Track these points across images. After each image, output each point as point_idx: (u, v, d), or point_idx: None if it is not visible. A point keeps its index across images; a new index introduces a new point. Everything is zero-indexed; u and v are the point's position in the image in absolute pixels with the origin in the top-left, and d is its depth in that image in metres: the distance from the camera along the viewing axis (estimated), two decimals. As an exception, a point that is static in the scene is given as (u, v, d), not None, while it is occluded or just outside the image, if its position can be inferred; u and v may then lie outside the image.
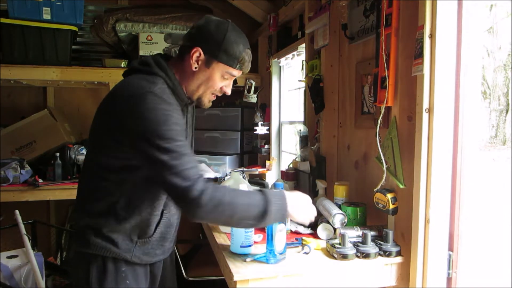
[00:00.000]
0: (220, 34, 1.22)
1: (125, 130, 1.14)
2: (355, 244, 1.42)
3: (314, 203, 1.80)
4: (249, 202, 1.17)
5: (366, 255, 1.38)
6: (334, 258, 1.38)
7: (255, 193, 1.21)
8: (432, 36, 1.32)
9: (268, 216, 1.17)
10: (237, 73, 1.29)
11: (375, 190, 1.52)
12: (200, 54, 1.23)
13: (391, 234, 1.43)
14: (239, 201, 1.16)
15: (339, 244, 1.40)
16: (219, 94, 1.33)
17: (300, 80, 2.54)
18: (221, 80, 1.28)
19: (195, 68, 1.25)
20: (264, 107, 3.34)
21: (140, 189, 1.21)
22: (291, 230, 1.63)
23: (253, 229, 1.41)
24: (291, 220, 1.67)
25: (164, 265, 1.41)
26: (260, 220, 1.17)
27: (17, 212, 2.42)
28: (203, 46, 1.23)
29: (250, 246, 1.40)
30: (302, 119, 2.53)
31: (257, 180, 2.40)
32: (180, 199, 1.13)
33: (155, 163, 1.11)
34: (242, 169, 2.90)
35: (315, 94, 2.11)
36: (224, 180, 2.22)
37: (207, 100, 1.32)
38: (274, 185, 1.48)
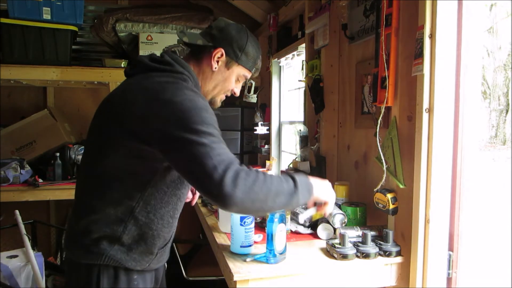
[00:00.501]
0: (243, 39, 1.27)
1: (159, 129, 1.05)
2: (355, 244, 1.42)
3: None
4: (277, 177, 1.10)
5: (366, 255, 1.38)
6: (334, 258, 1.38)
7: (275, 175, 1.14)
8: (432, 36, 1.32)
9: (298, 190, 1.10)
10: (250, 75, 1.34)
11: (375, 190, 1.52)
12: (222, 55, 1.25)
13: (391, 234, 1.43)
14: (269, 177, 1.08)
15: (339, 244, 1.41)
16: (229, 95, 1.36)
17: (300, 80, 2.54)
18: (236, 82, 1.32)
19: (215, 68, 1.26)
20: (264, 107, 3.35)
21: (165, 192, 1.17)
22: (291, 230, 1.63)
23: (253, 229, 1.41)
24: (291, 219, 1.67)
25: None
26: (293, 195, 1.09)
27: (17, 212, 2.42)
28: (226, 47, 1.25)
29: (250, 246, 1.40)
30: (302, 119, 2.54)
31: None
32: (217, 183, 0.98)
33: (192, 147, 1.01)
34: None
35: (315, 94, 2.11)
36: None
37: (219, 100, 1.35)
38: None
